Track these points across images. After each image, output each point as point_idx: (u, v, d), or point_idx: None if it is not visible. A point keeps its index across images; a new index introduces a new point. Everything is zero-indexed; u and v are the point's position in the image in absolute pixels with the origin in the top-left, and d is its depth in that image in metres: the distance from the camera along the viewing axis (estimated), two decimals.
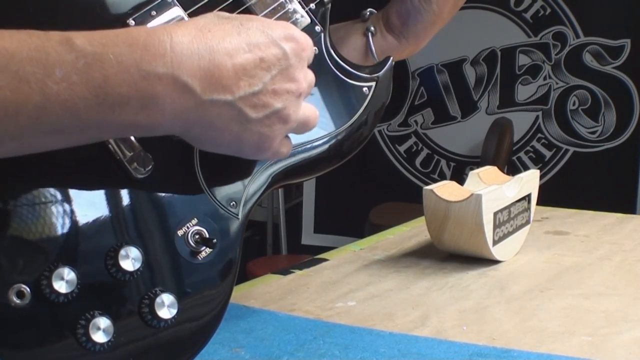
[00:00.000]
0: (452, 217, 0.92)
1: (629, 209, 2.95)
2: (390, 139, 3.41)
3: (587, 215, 1.23)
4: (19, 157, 0.52)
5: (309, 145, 0.71)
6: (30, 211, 0.54)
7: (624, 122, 3.15)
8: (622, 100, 3.14)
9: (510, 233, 0.96)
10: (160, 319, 0.57)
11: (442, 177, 3.39)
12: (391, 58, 0.78)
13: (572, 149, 3.23)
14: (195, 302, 0.60)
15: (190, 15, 0.63)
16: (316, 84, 0.70)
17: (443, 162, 3.40)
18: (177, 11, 0.62)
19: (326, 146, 0.72)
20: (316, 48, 0.72)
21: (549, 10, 3.21)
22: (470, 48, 3.32)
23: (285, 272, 0.92)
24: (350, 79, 0.75)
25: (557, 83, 3.21)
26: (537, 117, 3.26)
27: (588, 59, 3.17)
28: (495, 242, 0.93)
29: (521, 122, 3.23)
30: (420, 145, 3.41)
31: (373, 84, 0.76)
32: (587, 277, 0.90)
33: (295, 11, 0.70)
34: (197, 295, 0.61)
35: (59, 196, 0.55)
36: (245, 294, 0.83)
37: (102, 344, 0.54)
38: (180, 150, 0.62)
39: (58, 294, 0.53)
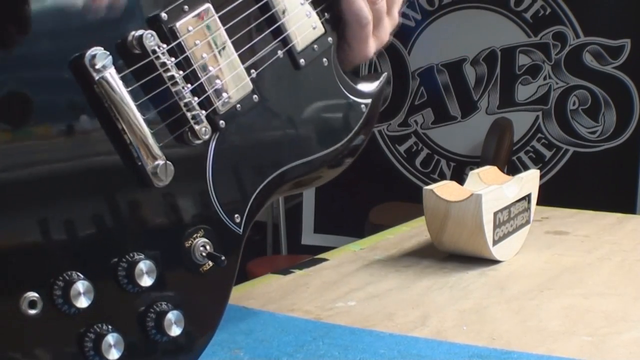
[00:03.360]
0: (452, 217, 0.92)
1: (629, 209, 2.96)
2: (390, 139, 3.41)
3: (587, 215, 1.23)
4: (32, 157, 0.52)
5: (308, 160, 0.71)
6: (42, 214, 0.53)
7: (624, 122, 3.15)
8: (622, 100, 3.14)
9: (510, 233, 0.96)
10: (167, 335, 0.57)
11: (442, 177, 3.39)
12: (385, 74, 0.79)
13: (572, 149, 3.23)
14: (197, 316, 0.60)
15: (220, 16, 0.63)
16: (322, 98, 0.72)
17: (443, 162, 3.40)
18: (207, 9, 0.62)
19: (325, 161, 0.72)
20: (326, 59, 0.73)
21: (549, 10, 3.21)
22: (470, 48, 3.33)
23: (285, 272, 0.92)
24: (352, 94, 0.75)
25: (557, 83, 3.22)
26: (537, 117, 3.26)
27: (588, 59, 3.17)
28: (495, 242, 0.93)
29: (521, 122, 3.24)
30: (420, 145, 3.41)
31: (370, 100, 0.76)
32: (587, 277, 0.90)
33: (311, 19, 0.71)
34: (199, 309, 0.61)
35: (69, 199, 0.55)
36: (245, 294, 0.83)
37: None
38: (195, 158, 0.62)
39: (70, 304, 0.52)
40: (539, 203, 1.05)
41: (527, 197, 1.01)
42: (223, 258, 0.61)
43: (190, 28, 0.62)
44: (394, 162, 3.42)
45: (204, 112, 0.62)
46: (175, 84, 0.60)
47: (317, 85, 0.73)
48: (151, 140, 0.58)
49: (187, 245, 0.60)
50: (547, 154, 3.26)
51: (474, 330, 0.74)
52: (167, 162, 0.59)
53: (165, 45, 0.60)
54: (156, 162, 0.58)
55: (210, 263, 0.61)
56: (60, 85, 0.56)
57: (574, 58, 3.18)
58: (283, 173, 0.69)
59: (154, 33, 0.59)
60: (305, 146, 0.71)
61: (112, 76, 0.56)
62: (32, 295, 0.51)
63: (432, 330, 0.73)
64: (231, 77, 0.65)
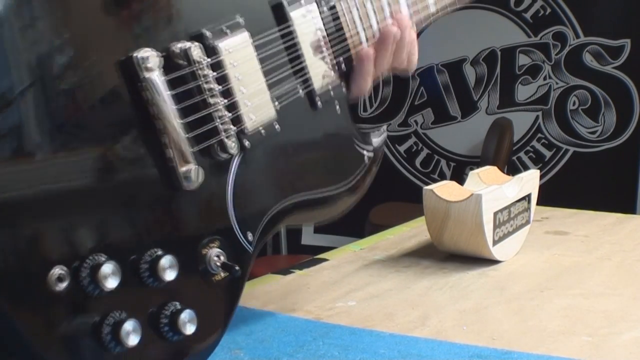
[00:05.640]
0: (452, 217, 0.92)
1: (629, 209, 2.96)
2: (390, 138, 3.41)
3: (587, 215, 1.23)
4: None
5: (315, 193, 0.75)
6: (77, 198, 0.55)
7: (624, 122, 3.15)
8: (622, 100, 3.14)
9: (510, 233, 0.96)
10: (181, 334, 0.58)
11: (442, 177, 3.39)
12: (385, 129, 0.85)
13: (572, 149, 3.23)
14: (206, 320, 0.61)
15: (255, 45, 0.68)
16: (333, 140, 0.78)
17: (443, 162, 3.40)
18: (245, 37, 0.67)
19: (329, 197, 0.77)
20: (339, 105, 0.78)
21: (549, 10, 3.21)
22: (470, 48, 3.32)
23: (285, 272, 0.92)
24: (358, 142, 0.81)
25: (557, 83, 3.21)
26: (537, 117, 3.26)
27: (588, 59, 3.17)
28: (495, 242, 0.93)
29: (521, 122, 3.23)
30: (420, 145, 3.41)
31: (372, 154, 0.82)
32: (587, 277, 0.90)
33: (328, 66, 0.77)
34: (209, 314, 0.62)
35: (105, 187, 0.56)
36: (246, 294, 0.83)
37: (126, 347, 0.55)
38: (219, 172, 0.64)
39: (96, 285, 0.53)
40: (539, 203, 1.05)
41: (527, 197, 1.01)
42: (237, 268, 0.63)
43: (229, 49, 0.65)
44: (394, 162, 3.42)
45: (234, 128, 0.65)
46: (214, 96, 0.63)
47: (330, 127, 0.78)
48: (186, 144, 0.60)
49: (203, 252, 0.62)
50: (547, 154, 3.26)
51: (474, 330, 0.74)
52: (199, 167, 0.60)
53: (208, 59, 0.63)
54: (188, 166, 0.60)
55: (223, 274, 0.63)
56: (107, 82, 0.57)
57: (574, 58, 3.18)
58: (294, 202, 0.72)
59: (200, 46, 0.63)
60: (313, 180, 0.75)
61: (158, 77, 0.59)
62: (61, 270, 0.52)
63: (432, 330, 0.74)
64: (259, 102, 0.68)
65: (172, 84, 0.61)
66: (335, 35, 0.79)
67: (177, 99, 0.61)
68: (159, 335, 0.58)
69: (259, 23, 0.70)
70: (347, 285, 0.87)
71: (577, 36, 3.17)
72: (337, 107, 0.78)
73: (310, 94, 0.75)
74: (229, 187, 0.65)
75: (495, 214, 0.92)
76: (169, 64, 0.61)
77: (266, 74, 0.69)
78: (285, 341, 0.71)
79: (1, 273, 0.50)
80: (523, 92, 3.27)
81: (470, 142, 3.32)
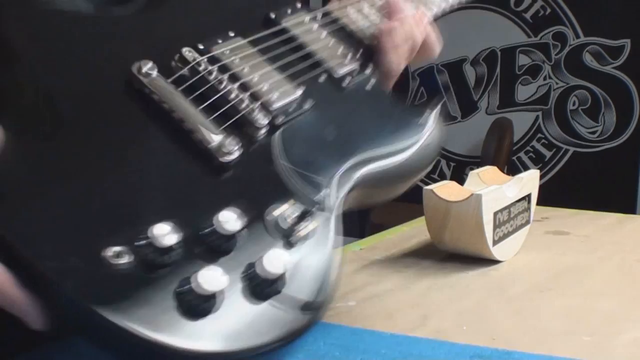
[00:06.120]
0: (452, 217, 0.92)
1: (629, 209, 2.96)
2: None
3: (587, 215, 1.23)
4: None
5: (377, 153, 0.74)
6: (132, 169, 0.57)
7: (624, 122, 3.15)
8: (622, 100, 3.15)
9: (510, 233, 0.96)
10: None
11: (442, 177, 3.39)
12: (438, 106, 0.85)
13: (572, 149, 3.23)
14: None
15: (252, 43, 0.70)
16: (373, 109, 0.79)
17: (443, 162, 3.41)
18: (238, 40, 0.69)
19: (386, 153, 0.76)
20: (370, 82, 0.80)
21: (549, 10, 3.21)
22: (470, 48, 3.33)
23: None
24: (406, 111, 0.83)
25: (557, 83, 3.22)
26: (537, 117, 3.26)
27: (588, 59, 3.17)
28: (495, 242, 0.93)
29: (521, 122, 3.24)
30: None
31: (422, 122, 0.82)
32: (587, 277, 0.90)
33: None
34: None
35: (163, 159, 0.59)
36: None
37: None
38: (260, 144, 0.65)
39: (161, 254, 0.53)
40: (539, 203, 1.05)
41: (527, 197, 1.01)
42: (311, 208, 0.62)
43: (225, 50, 0.68)
44: None
45: (256, 103, 0.65)
46: (222, 82, 0.64)
47: (369, 101, 0.79)
48: (208, 124, 0.61)
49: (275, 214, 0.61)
50: (547, 154, 3.26)
51: (474, 330, 0.74)
52: (229, 137, 0.61)
53: (204, 57, 0.65)
54: (217, 138, 0.60)
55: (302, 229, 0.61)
56: (119, 99, 0.60)
57: (574, 58, 3.18)
58: (357, 160, 0.71)
59: (192, 50, 0.65)
60: (368, 139, 0.74)
61: (158, 75, 0.61)
62: (119, 248, 0.52)
63: (432, 330, 0.74)
64: (276, 85, 0.69)
65: (175, 84, 0.62)
66: (340, 31, 0.80)
67: (185, 93, 0.62)
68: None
69: (251, 33, 0.72)
70: (347, 285, 0.87)
71: (577, 36, 3.17)
72: (370, 85, 0.80)
73: (335, 79, 0.76)
74: (278, 153, 0.65)
75: (495, 214, 0.92)
76: (166, 72, 0.62)
77: (276, 67, 0.70)
78: None
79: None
80: (523, 92, 3.27)
81: (470, 142, 3.32)
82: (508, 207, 0.95)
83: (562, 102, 3.20)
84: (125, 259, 0.52)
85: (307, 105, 0.70)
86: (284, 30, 0.75)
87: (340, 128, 0.73)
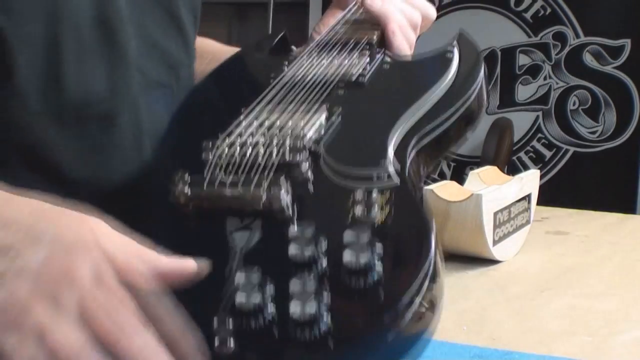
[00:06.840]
0: (452, 217, 0.92)
1: (629, 209, 2.95)
2: None
3: (587, 215, 1.23)
4: None
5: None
6: None
7: (624, 122, 3.14)
8: (622, 100, 3.14)
9: (510, 233, 0.96)
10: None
11: (442, 177, 3.39)
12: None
13: (572, 149, 3.23)
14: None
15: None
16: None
17: (443, 162, 3.40)
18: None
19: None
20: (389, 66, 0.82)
21: (549, 10, 3.21)
22: None
23: None
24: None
25: (557, 83, 3.21)
26: (537, 117, 3.26)
27: (588, 59, 3.17)
28: (495, 242, 0.93)
29: (521, 122, 3.23)
30: None
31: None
32: (587, 277, 0.90)
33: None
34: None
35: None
36: None
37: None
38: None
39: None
40: (539, 203, 1.05)
41: (527, 197, 1.01)
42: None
43: (236, 131, 0.69)
44: None
45: (281, 156, 0.64)
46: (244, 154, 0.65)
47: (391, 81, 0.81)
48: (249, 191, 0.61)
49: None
50: (547, 154, 3.26)
51: (474, 330, 0.74)
52: (267, 191, 0.61)
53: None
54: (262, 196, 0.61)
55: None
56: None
57: (574, 58, 3.17)
58: (407, 124, 0.71)
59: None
60: (406, 100, 0.74)
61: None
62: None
63: None
64: (298, 123, 0.69)
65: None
66: (338, 46, 0.83)
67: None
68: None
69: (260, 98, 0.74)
70: None
71: (577, 36, 3.17)
72: (387, 64, 0.82)
73: (352, 83, 0.76)
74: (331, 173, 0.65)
75: (495, 214, 0.92)
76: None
77: (294, 106, 0.72)
78: None
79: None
80: (523, 92, 3.27)
81: (470, 142, 3.32)
82: (508, 207, 0.95)
83: (562, 102, 3.19)
84: None
85: (334, 117, 0.70)
86: (288, 79, 0.76)
87: (375, 111, 0.74)
